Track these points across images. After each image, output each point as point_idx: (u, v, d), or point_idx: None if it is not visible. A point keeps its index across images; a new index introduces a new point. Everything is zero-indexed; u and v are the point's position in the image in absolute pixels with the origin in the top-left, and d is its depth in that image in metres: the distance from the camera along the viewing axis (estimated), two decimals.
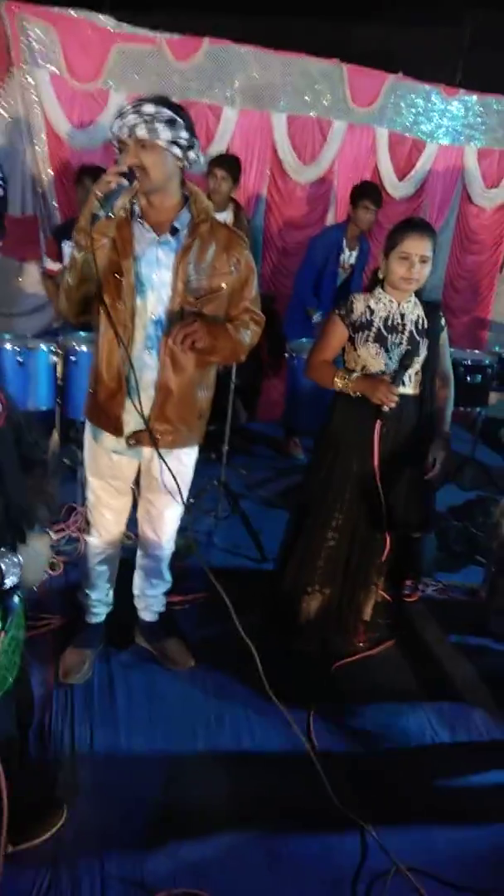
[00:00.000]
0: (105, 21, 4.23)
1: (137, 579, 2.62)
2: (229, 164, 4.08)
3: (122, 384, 2.14)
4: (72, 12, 4.17)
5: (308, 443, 4.61)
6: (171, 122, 1.91)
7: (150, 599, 2.62)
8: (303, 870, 1.92)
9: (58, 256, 3.88)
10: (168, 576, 2.62)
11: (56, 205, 4.34)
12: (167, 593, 2.67)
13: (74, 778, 2.09)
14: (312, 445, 4.71)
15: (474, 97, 5.20)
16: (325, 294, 4.34)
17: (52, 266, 3.95)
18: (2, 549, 1.11)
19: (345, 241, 4.32)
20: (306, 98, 4.77)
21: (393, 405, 2.38)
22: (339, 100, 4.83)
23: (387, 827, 2.04)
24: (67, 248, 3.81)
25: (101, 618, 2.60)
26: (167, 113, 1.91)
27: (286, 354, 4.12)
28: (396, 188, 5.20)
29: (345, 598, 2.74)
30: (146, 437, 2.18)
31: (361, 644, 2.81)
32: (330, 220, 5.10)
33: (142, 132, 1.89)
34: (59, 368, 3.28)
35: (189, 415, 2.24)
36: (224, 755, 2.26)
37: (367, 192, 4.26)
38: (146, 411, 2.14)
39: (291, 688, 2.28)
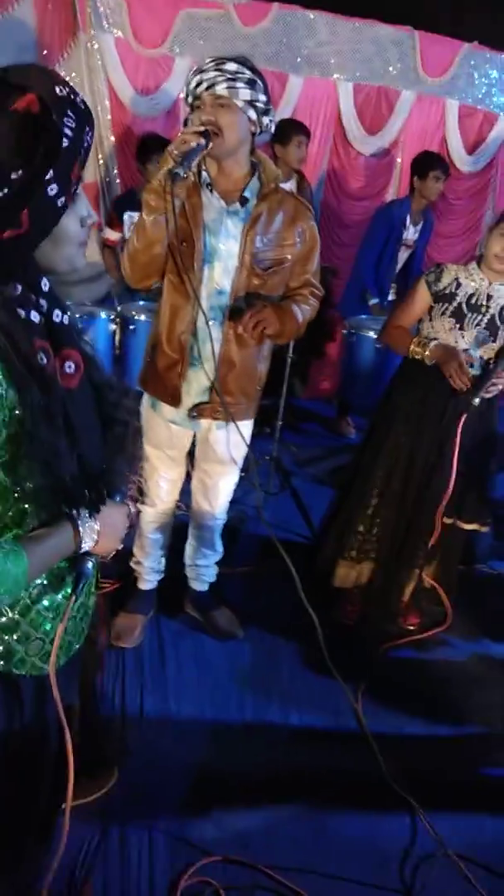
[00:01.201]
0: None
1: (189, 549, 2.62)
2: (307, 131, 3.98)
3: (184, 355, 2.11)
4: None
5: (359, 422, 4.55)
6: (251, 83, 1.86)
7: (200, 569, 2.63)
8: (348, 846, 1.91)
9: (118, 226, 3.87)
10: (219, 546, 2.62)
11: (117, 172, 4.32)
12: (218, 564, 2.67)
13: (124, 739, 2.12)
14: (366, 425, 4.67)
15: None
16: (385, 275, 4.22)
17: (112, 236, 3.94)
18: (81, 511, 1.10)
19: (409, 216, 4.18)
20: (375, 66, 4.63)
21: (461, 385, 2.29)
22: (408, 69, 4.68)
23: (435, 811, 2.02)
24: (129, 218, 3.80)
25: (153, 585, 2.62)
26: (248, 73, 1.86)
27: (343, 331, 4.05)
28: (465, 162, 5.03)
29: (386, 574, 2.69)
30: (208, 409, 2.17)
31: (412, 627, 2.77)
32: (391, 193, 4.97)
33: (221, 89, 1.84)
34: (117, 337, 3.29)
35: (249, 386, 2.23)
36: (271, 726, 2.26)
37: (436, 161, 4.10)
38: (203, 382, 2.13)
39: (341, 663, 2.27)
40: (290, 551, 3.20)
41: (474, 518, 2.62)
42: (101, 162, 4.32)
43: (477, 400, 2.30)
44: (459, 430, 2.36)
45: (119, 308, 3.33)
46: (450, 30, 4.71)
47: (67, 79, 4.12)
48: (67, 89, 0.95)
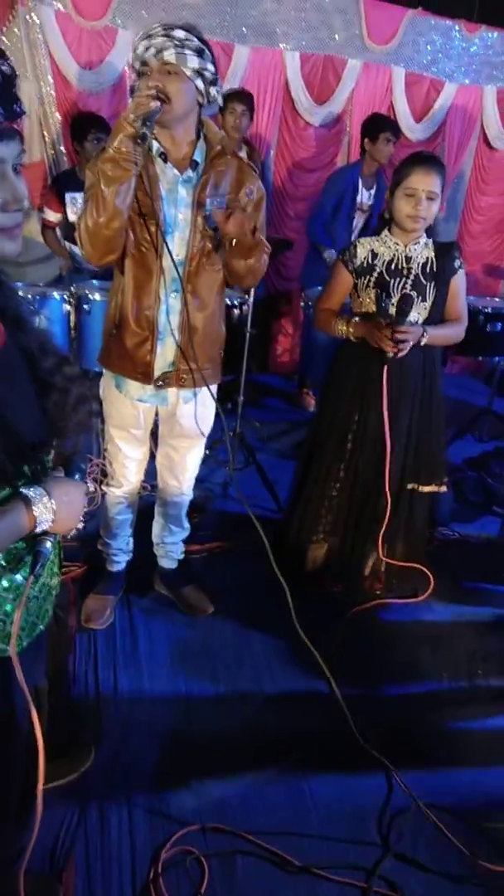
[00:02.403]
0: None
1: (156, 527, 2.63)
2: (248, 99, 3.94)
3: (153, 329, 2.10)
4: None
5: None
6: (199, 52, 1.84)
7: (169, 547, 2.63)
8: (325, 807, 1.96)
9: (58, 207, 3.79)
10: (186, 523, 2.63)
11: (64, 150, 4.22)
12: (185, 541, 2.68)
13: (99, 719, 2.13)
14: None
15: (496, 34, 4.98)
16: (340, 237, 4.21)
17: (51, 217, 3.85)
18: (34, 489, 1.08)
19: (360, 180, 4.17)
20: (321, 35, 4.59)
21: (392, 349, 2.31)
22: (354, 37, 4.65)
23: (409, 770, 2.08)
24: (71, 199, 3.72)
25: (121, 566, 2.62)
26: (196, 41, 1.84)
27: (301, 304, 4.05)
28: (413, 130, 5.03)
29: (347, 548, 2.73)
30: (174, 377, 2.16)
31: (378, 591, 2.82)
32: (341, 162, 4.96)
33: (170, 56, 1.81)
34: (72, 317, 3.23)
35: (213, 349, 2.24)
36: (245, 695, 2.30)
37: (386, 123, 4.10)
38: (174, 353, 2.13)
39: (311, 630, 2.30)
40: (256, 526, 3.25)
41: (430, 479, 2.67)
42: (46, 140, 4.22)
43: (390, 354, 2.32)
44: (385, 383, 2.38)
45: (73, 288, 3.27)
46: None
47: (7, 54, 4.02)
48: None
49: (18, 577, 1.17)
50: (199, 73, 1.87)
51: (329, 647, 2.36)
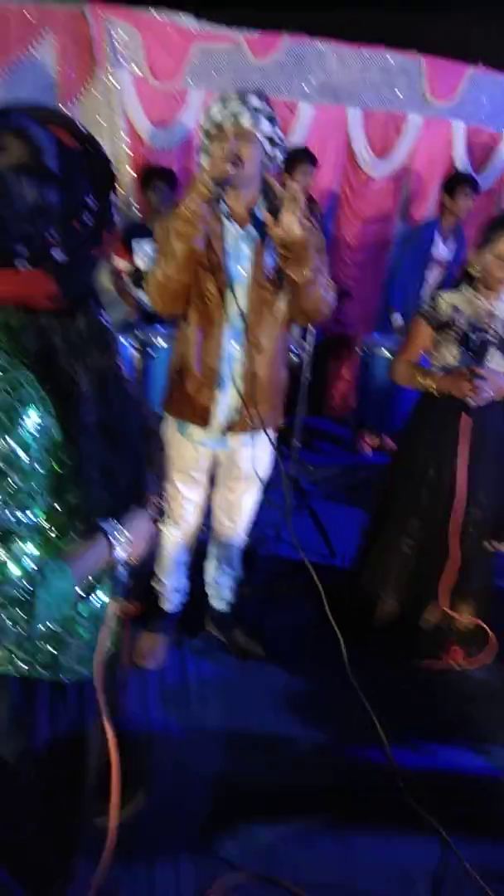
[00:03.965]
0: (186, 21, 4.30)
1: (210, 567, 2.68)
2: (310, 158, 4.11)
3: (214, 376, 2.19)
4: (154, 13, 4.26)
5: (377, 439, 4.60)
6: (271, 119, 1.97)
7: (221, 588, 2.68)
8: (373, 864, 1.94)
9: (125, 255, 3.99)
10: (240, 565, 2.68)
11: (135, 203, 4.44)
12: (238, 583, 2.72)
13: (149, 758, 2.17)
14: (382, 442, 4.70)
15: None
16: (412, 292, 4.30)
17: (121, 264, 4.06)
18: (111, 522, 1.17)
19: (439, 235, 4.27)
20: (383, 92, 4.73)
21: (478, 398, 2.32)
22: (416, 93, 4.77)
23: (462, 834, 2.02)
24: (137, 244, 3.92)
25: (175, 605, 2.68)
26: (269, 109, 1.98)
27: (358, 350, 4.12)
28: None
29: (413, 603, 2.68)
30: (238, 423, 2.25)
31: (457, 663, 2.71)
32: (399, 214, 5.06)
33: (246, 122, 1.94)
34: (137, 362, 3.37)
35: (274, 396, 2.32)
36: (295, 743, 2.30)
37: (465, 178, 4.21)
38: (236, 399, 2.21)
39: (366, 683, 2.28)
40: (308, 571, 3.27)
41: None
42: (120, 193, 4.45)
43: (472, 402, 2.33)
44: (465, 435, 2.38)
45: (138, 334, 3.41)
46: (455, 53, 4.80)
47: (84, 115, 4.25)
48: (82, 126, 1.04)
49: (95, 603, 1.25)
50: (270, 137, 1.99)
51: (383, 701, 2.33)
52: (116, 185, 1.05)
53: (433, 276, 4.35)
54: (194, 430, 2.30)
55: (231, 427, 2.26)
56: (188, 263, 2.02)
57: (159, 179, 3.87)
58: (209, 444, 2.33)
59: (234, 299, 2.09)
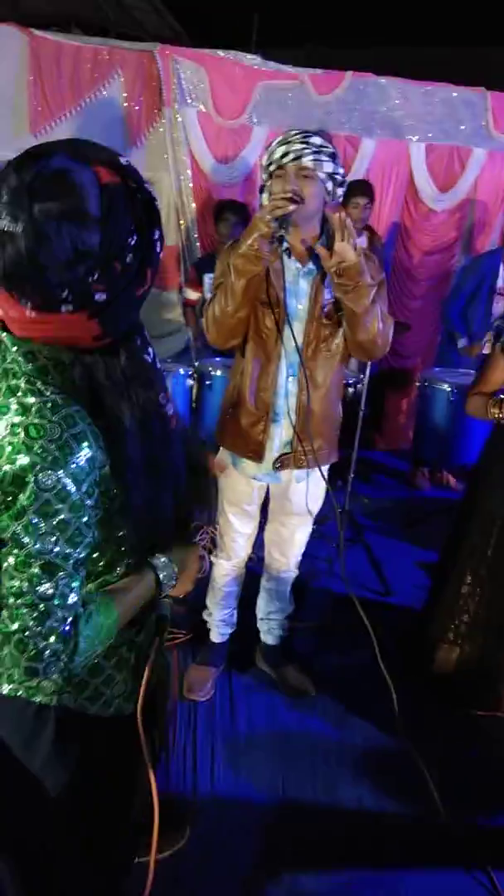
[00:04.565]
0: (251, 60, 4.41)
1: (261, 602, 2.64)
2: (363, 189, 4.13)
3: (268, 411, 2.18)
4: (220, 53, 4.38)
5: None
6: (333, 157, 1.98)
7: (272, 623, 2.64)
8: None
9: (197, 287, 4.08)
10: (291, 600, 2.63)
11: (197, 236, 4.54)
12: (289, 618, 2.67)
13: (195, 796, 2.13)
14: (442, 478, 4.60)
15: None
16: (477, 323, 4.25)
17: (192, 296, 4.15)
18: (160, 557, 1.16)
19: (502, 266, 4.21)
20: (446, 126, 4.73)
21: None
22: (480, 127, 4.75)
23: None
24: (209, 279, 4.00)
25: (224, 638, 2.64)
26: (331, 148, 1.99)
27: (417, 384, 4.06)
28: None
29: (485, 654, 2.54)
30: (292, 459, 2.23)
31: None
32: (462, 247, 5.01)
33: (308, 161, 1.95)
34: (194, 391, 3.40)
35: (329, 431, 2.29)
36: (343, 787, 2.22)
37: None
38: (290, 435, 2.19)
39: (420, 735, 2.20)
40: (363, 606, 3.20)
41: None
42: (182, 226, 4.55)
43: None
44: None
45: (196, 364, 3.45)
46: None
47: (151, 151, 4.39)
48: (122, 157, 1.02)
49: (140, 637, 1.24)
50: (331, 176, 1.99)
51: (435, 755, 2.23)
52: (160, 222, 1.03)
53: (498, 308, 4.27)
54: (248, 465, 2.29)
55: (284, 463, 2.25)
56: (246, 299, 2.03)
57: (231, 212, 3.96)
58: (262, 478, 2.32)
59: (291, 335, 2.09)
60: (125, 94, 4.33)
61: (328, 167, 1.97)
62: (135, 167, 1.01)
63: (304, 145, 1.94)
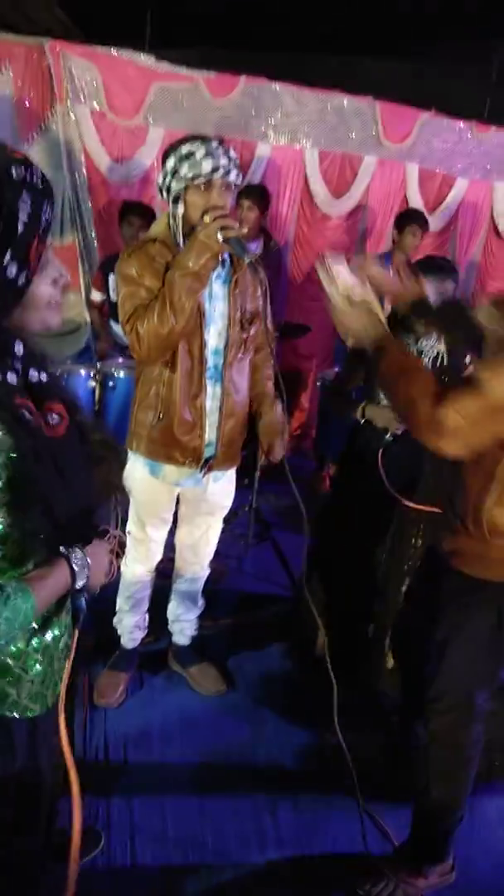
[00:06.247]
0: (145, 60, 4.38)
1: (172, 605, 2.63)
2: (256, 194, 4.20)
3: (202, 416, 2.18)
4: (113, 51, 4.32)
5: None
6: (238, 168, 2.02)
7: (184, 623, 2.64)
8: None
9: (102, 288, 4.02)
10: (201, 600, 2.64)
11: (94, 235, 4.46)
12: (200, 617, 2.68)
13: (108, 802, 2.09)
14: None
15: None
16: None
17: (97, 297, 4.09)
18: (73, 549, 1.15)
19: (390, 270, 4.36)
20: (339, 134, 4.88)
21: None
22: (370, 136, 4.93)
23: None
24: (112, 280, 3.94)
25: (136, 643, 2.61)
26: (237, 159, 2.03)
27: (318, 383, 4.17)
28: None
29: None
30: (217, 459, 2.26)
31: None
32: (356, 252, 5.18)
33: (234, 177, 1.99)
34: (96, 393, 3.35)
35: (242, 434, 2.34)
36: (261, 780, 2.25)
37: (414, 217, 4.32)
38: (213, 437, 2.22)
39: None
40: (270, 603, 3.25)
41: None
42: (79, 226, 4.46)
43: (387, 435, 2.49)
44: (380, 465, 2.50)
45: (98, 365, 3.40)
46: (408, 98, 5.00)
47: (44, 149, 4.27)
48: (23, 168, 1.00)
49: (48, 637, 1.22)
50: (237, 186, 2.06)
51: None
52: (23, 203, 1.00)
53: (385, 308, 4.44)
54: (170, 472, 2.26)
55: (211, 465, 2.26)
56: (192, 317, 2.03)
57: (135, 216, 3.92)
58: (186, 482, 2.31)
59: (213, 340, 2.14)
60: (14, 89, 4.19)
61: (238, 180, 2.03)
62: (32, 183, 1.01)
63: (227, 159, 1.96)
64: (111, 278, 3.92)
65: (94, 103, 4.31)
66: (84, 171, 4.37)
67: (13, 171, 0.99)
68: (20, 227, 1.00)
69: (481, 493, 1.66)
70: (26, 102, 4.23)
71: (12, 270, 1.01)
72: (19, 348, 1.12)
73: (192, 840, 2.02)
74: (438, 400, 1.51)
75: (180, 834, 2.03)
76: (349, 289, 1.70)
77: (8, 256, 1.00)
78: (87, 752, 2.25)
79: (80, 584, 1.16)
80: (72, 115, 4.29)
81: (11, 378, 1.08)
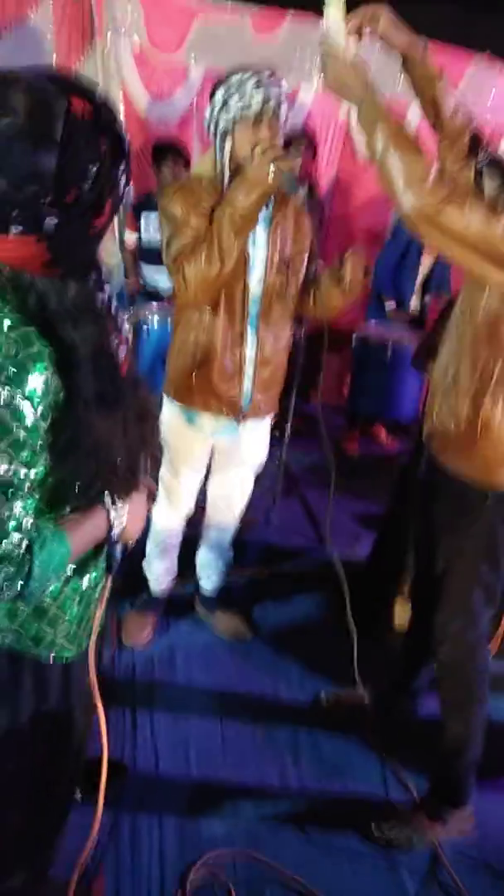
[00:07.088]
0: None
1: (202, 552, 2.65)
2: (305, 139, 4.10)
3: (242, 364, 2.14)
4: None
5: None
6: (288, 102, 1.95)
7: (211, 571, 2.66)
8: (360, 846, 1.94)
9: (134, 227, 3.96)
10: (230, 549, 2.66)
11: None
12: (228, 566, 2.70)
13: (134, 738, 2.15)
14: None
15: None
16: (404, 285, 4.31)
17: (130, 238, 4.03)
18: (113, 498, 1.14)
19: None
20: (385, 77, 4.63)
21: None
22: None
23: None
24: (146, 219, 3.88)
25: (165, 586, 2.64)
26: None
27: (353, 337, 4.10)
28: None
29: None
30: (253, 408, 2.23)
31: None
32: None
33: (284, 109, 1.92)
34: (129, 339, 3.31)
35: (280, 381, 2.31)
36: (281, 728, 2.29)
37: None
38: (250, 385, 2.19)
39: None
40: (297, 555, 3.27)
41: None
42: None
43: None
44: None
45: (132, 310, 3.35)
46: (459, 38, 4.75)
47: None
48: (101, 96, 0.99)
49: (84, 581, 1.22)
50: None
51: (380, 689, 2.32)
52: (128, 161, 1.01)
53: (425, 263, 4.33)
54: (207, 421, 2.24)
55: (248, 414, 2.24)
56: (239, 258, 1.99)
57: (174, 155, 3.84)
58: (222, 432, 2.28)
59: (254, 286, 2.08)
60: (54, 22, 4.06)
61: (289, 114, 1.95)
62: (112, 106, 0.99)
63: (279, 90, 1.88)
64: (143, 215, 3.86)
65: (136, 36, 4.17)
66: (121, 107, 4.26)
67: (98, 95, 0.98)
68: (126, 149, 1.00)
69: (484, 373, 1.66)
70: (65, 37, 4.10)
71: (123, 180, 1.00)
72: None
73: (217, 779, 2.07)
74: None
75: (203, 774, 2.08)
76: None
77: (122, 166, 0.99)
78: (116, 691, 2.30)
79: (115, 533, 1.17)
80: (111, 48, 4.15)
81: (103, 298, 1.07)
